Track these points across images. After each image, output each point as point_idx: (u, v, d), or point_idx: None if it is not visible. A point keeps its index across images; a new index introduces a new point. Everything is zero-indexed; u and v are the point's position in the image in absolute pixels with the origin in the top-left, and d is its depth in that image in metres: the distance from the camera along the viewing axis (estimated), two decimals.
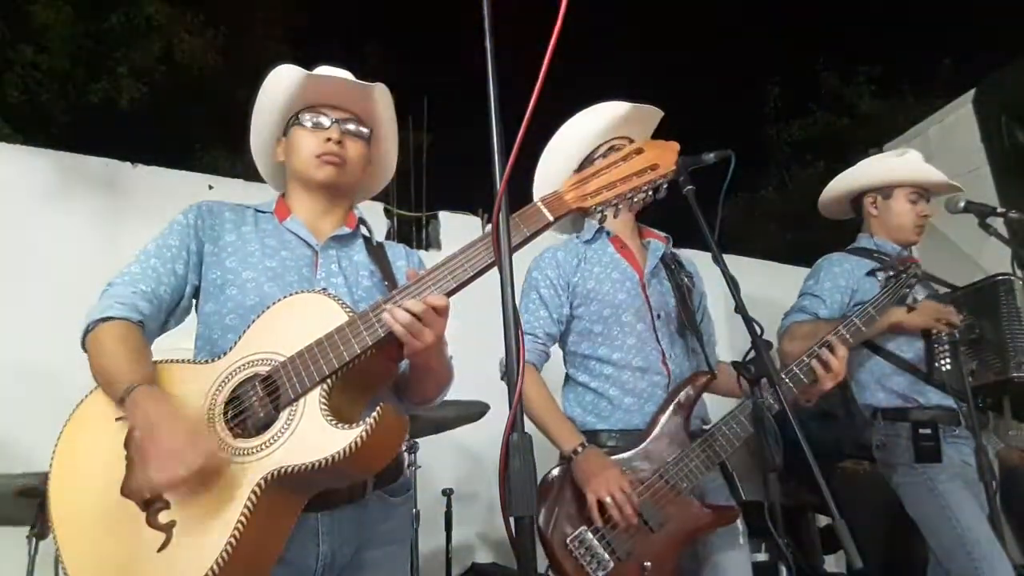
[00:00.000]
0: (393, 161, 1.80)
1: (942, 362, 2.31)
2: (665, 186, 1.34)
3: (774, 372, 1.57)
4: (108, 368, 1.33)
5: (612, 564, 1.76)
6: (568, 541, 1.78)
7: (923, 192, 2.51)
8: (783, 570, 1.61)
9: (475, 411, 2.81)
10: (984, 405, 2.44)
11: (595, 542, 1.78)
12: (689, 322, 2.03)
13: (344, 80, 1.60)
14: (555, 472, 1.90)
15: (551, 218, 1.31)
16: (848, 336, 1.99)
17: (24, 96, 8.50)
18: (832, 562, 3.61)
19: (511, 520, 0.93)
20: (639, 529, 1.78)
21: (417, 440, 2.75)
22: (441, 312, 1.27)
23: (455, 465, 3.62)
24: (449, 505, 3.12)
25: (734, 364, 1.69)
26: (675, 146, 1.34)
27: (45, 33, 8.37)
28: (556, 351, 2.14)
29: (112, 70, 8.73)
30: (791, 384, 1.89)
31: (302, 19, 11.46)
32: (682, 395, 1.93)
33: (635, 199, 1.33)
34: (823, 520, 3.57)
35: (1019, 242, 2.44)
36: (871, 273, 2.34)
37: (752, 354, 1.59)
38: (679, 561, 1.81)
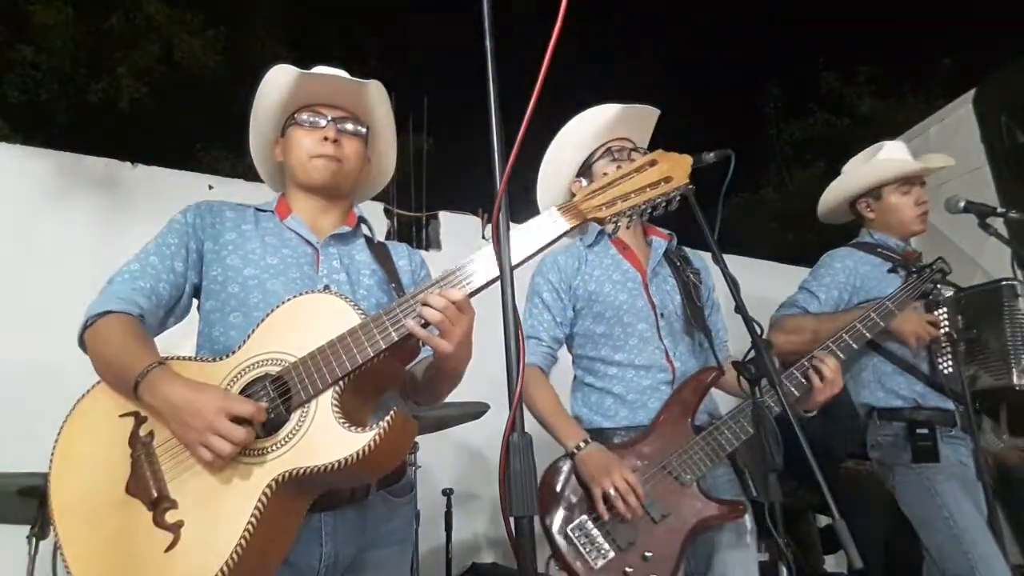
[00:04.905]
0: (392, 159, 1.80)
1: (944, 364, 2.31)
2: (678, 199, 1.36)
3: (774, 372, 1.57)
4: (115, 358, 1.32)
5: (613, 553, 1.77)
6: (569, 530, 1.80)
7: (912, 180, 2.51)
8: (783, 570, 1.61)
9: (475, 411, 2.81)
10: (980, 409, 2.43)
11: (595, 531, 1.80)
12: (696, 319, 2.02)
13: (339, 78, 1.60)
14: (562, 462, 1.91)
15: (567, 227, 1.32)
16: (838, 350, 1.99)
17: (24, 96, 8.50)
18: (832, 562, 3.61)
19: (511, 520, 0.93)
20: (641, 519, 1.79)
21: (417, 440, 2.75)
22: (462, 307, 1.27)
23: (455, 465, 3.62)
24: (449, 505, 3.12)
25: (734, 364, 1.69)
26: (688, 159, 1.37)
27: (45, 33, 8.37)
28: (566, 355, 2.15)
29: (112, 70, 8.73)
30: (793, 389, 1.88)
31: (302, 19, 11.47)
32: (687, 390, 1.94)
33: (648, 210, 1.35)
34: (823, 520, 3.57)
35: (1019, 242, 2.44)
36: (893, 270, 2.33)
37: (752, 354, 1.59)
38: (683, 554, 1.80)
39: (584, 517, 1.82)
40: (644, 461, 1.86)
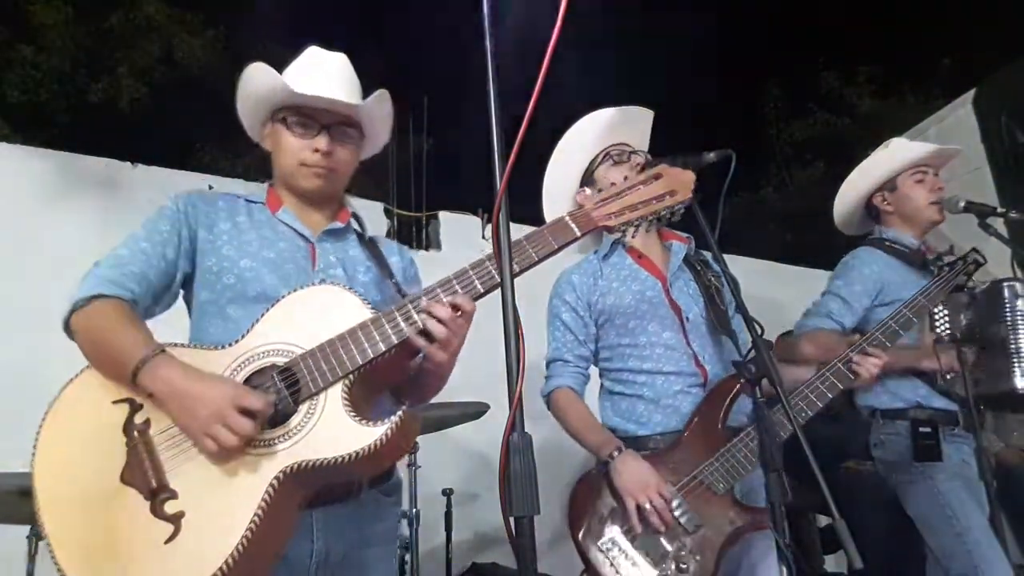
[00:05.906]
0: (385, 137, 1.70)
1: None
2: (682, 211, 1.43)
3: (774, 372, 1.57)
4: (111, 343, 1.28)
5: (647, 566, 1.75)
6: (600, 543, 1.78)
7: (925, 168, 2.49)
8: (783, 570, 1.61)
9: (475, 411, 2.81)
10: (983, 409, 2.42)
11: (628, 544, 1.77)
12: (720, 323, 2.00)
13: (332, 101, 1.49)
14: (591, 475, 1.90)
15: (578, 233, 1.36)
16: (884, 340, 2.02)
17: (24, 96, 8.52)
18: (832, 562, 3.61)
19: (511, 520, 0.93)
20: (675, 531, 1.77)
21: (417, 440, 2.75)
22: (467, 316, 1.28)
23: (455, 465, 3.62)
24: (449, 505, 3.12)
25: (734, 364, 1.69)
26: (691, 175, 1.44)
27: (45, 33, 8.39)
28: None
29: (112, 70, 8.75)
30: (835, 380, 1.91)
31: (302, 19, 11.48)
32: (716, 397, 1.91)
33: (653, 221, 1.43)
34: (823, 520, 3.57)
35: (1019, 242, 2.43)
36: (924, 266, 2.32)
37: (752, 354, 1.59)
38: (719, 565, 1.78)
39: (616, 529, 1.79)
40: (677, 471, 1.83)
